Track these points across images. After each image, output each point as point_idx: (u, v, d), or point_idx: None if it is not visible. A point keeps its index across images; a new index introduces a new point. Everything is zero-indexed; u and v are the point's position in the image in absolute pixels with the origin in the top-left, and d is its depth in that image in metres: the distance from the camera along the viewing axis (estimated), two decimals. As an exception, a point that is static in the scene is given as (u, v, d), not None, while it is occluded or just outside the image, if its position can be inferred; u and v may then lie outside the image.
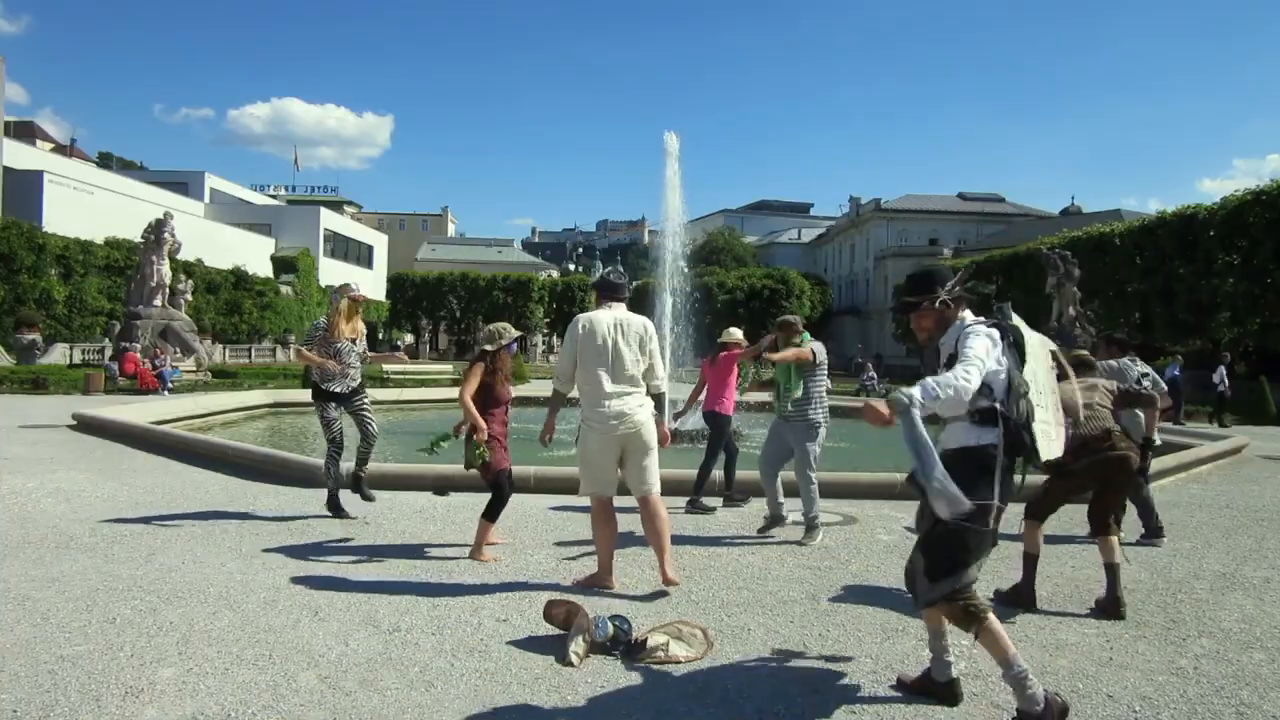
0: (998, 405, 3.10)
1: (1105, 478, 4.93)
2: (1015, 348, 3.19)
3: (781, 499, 6.38)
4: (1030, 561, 4.77)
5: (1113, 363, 6.77)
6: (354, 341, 6.58)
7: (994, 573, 5.11)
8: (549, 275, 76.22)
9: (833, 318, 68.05)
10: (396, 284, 64.47)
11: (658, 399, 4.95)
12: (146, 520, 6.36)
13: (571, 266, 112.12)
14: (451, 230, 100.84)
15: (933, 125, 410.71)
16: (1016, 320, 3.30)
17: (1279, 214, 23.99)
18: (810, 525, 6.11)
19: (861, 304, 68.38)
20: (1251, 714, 3.33)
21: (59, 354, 27.75)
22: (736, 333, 7.76)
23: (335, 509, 6.60)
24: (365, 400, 6.71)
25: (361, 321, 6.76)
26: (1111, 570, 4.63)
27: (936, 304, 3.26)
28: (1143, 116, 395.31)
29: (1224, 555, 6.03)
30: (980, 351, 3.05)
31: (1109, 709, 3.33)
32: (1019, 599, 4.70)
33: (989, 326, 3.19)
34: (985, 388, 3.08)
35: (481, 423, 5.38)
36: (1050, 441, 3.29)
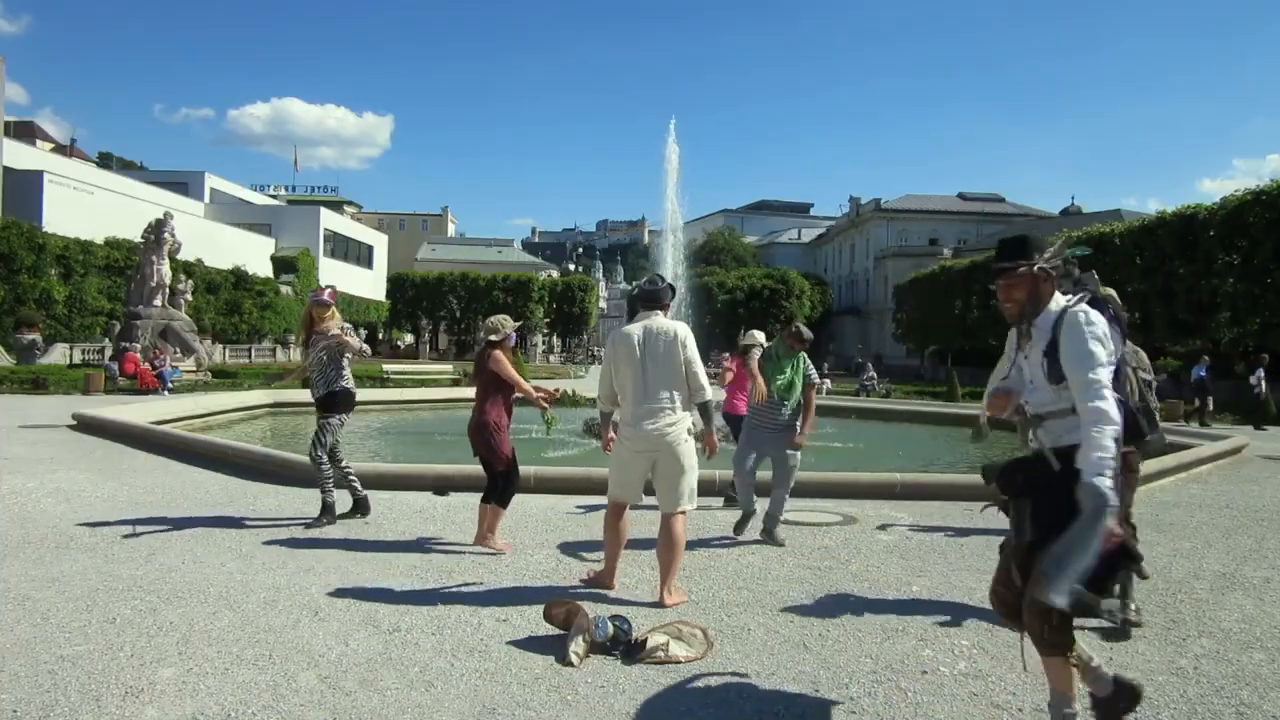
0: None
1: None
2: (1117, 321, 2.92)
3: (754, 497, 6.28)
4: None
5: None
6: (309, 343, 6.33)
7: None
8: (549, 275, 76.26)
9: (833, 318, 68.08)
10: (396, 284, 64.49)
11: (703, 409, 4.70)
12: (146, 520, 6.36)
13: (571, 266, 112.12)
14: (451, 230, 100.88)
15: (933, 125, 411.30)
16: (1105, 288, 2.98)
17: (1279, 214, 23.96)
18: (776, 526, 6.14)
19: (861, 304, 68.39)
20: (1251, 714, 3.32)
21: (59, 354, 27.76)
22: (758, 335, 7.75)
23: (361, 510, 6.54)
24: (331, 417, 6.30)
25: (332, 320, 6.34)
26: None
27: (1035, 269, 2.91)
28: (1143, 116, 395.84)
29: (1224, 555, 6.03)
30: (1103, 355, 2.73)
31: (1109, 709, 3.32)
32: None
33: (1088, 308, 2.85)
34: None
35: (534, 394, 5.86)
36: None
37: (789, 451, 6.22)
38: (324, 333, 6.30)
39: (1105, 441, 2.61)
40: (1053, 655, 2.84)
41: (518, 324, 6.04)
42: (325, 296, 6.46)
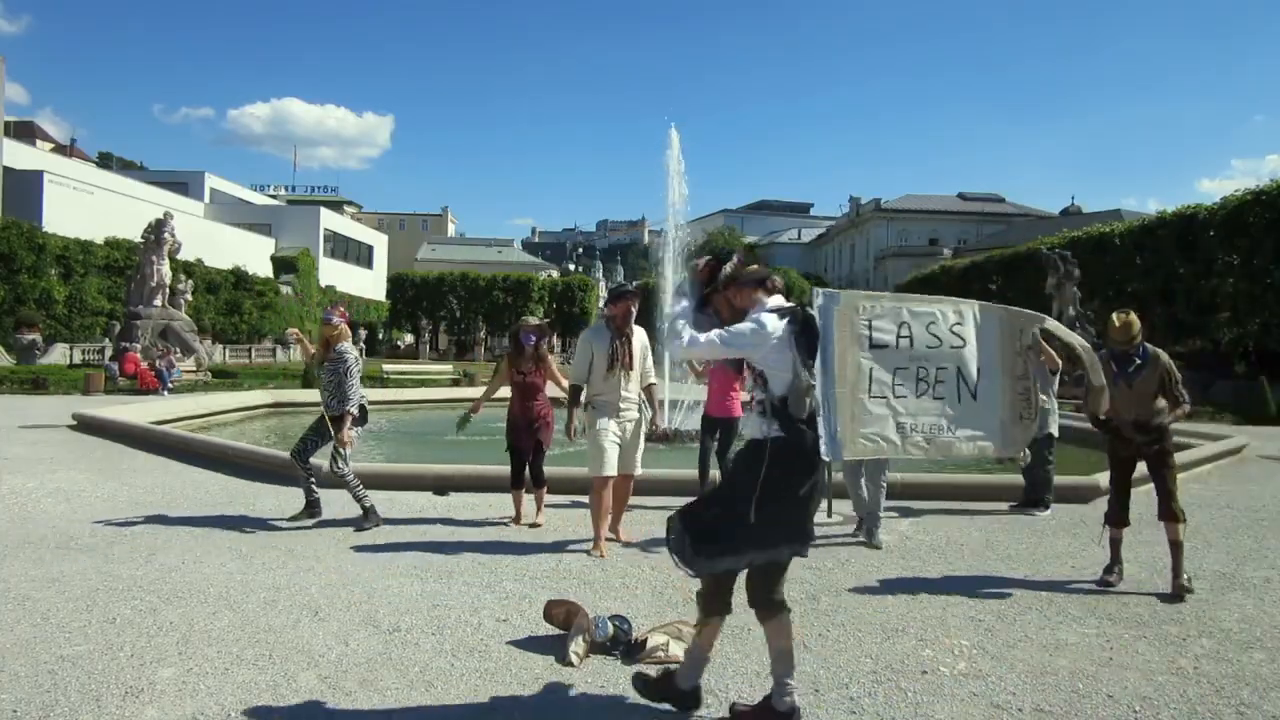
0: (774, 401, 3.03)
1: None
2: (804, 335, 3.08)
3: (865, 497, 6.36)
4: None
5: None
6: (324, 364, 6.33)
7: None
8: (549, 275, 76.21)
9: (833, 318, 67.94)
10: (396, 284, 64.44)
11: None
12: (146, 520, 6.36)
13: (571, 266, 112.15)
14: (451, 230, 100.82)
15: (933, 125, 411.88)
16: (815, 306, 3.21)
17: (1279, 214, 23.96)
18: (874, 525, 6.21)
19: (861, 304, 68.33)
20: (1251, 714, 3.33)
21: (59, 354, 27.73)
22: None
23: (310, 513, 6.51)
24: (340, 435, 6.27)
25: (339, 336, 6.32)
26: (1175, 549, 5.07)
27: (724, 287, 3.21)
28: (1143, 116, 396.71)
29: (1224, 555, 6.03)
30: (741, 330, 3.06)
31: (1109, 709, 3.33)
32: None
33: (776, 313, 3.10)
34: (760, 378, 3.07)
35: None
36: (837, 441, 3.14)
37: None
38: (330, 349, 6.27)
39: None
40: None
41: (537, 324, 6.63)
42: (333, 316, 6.42)
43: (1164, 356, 5.11)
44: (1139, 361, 5.05)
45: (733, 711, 3.18)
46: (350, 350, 6.35)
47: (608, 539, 5.74)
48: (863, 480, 6.34)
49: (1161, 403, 5.08)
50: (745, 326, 3.06)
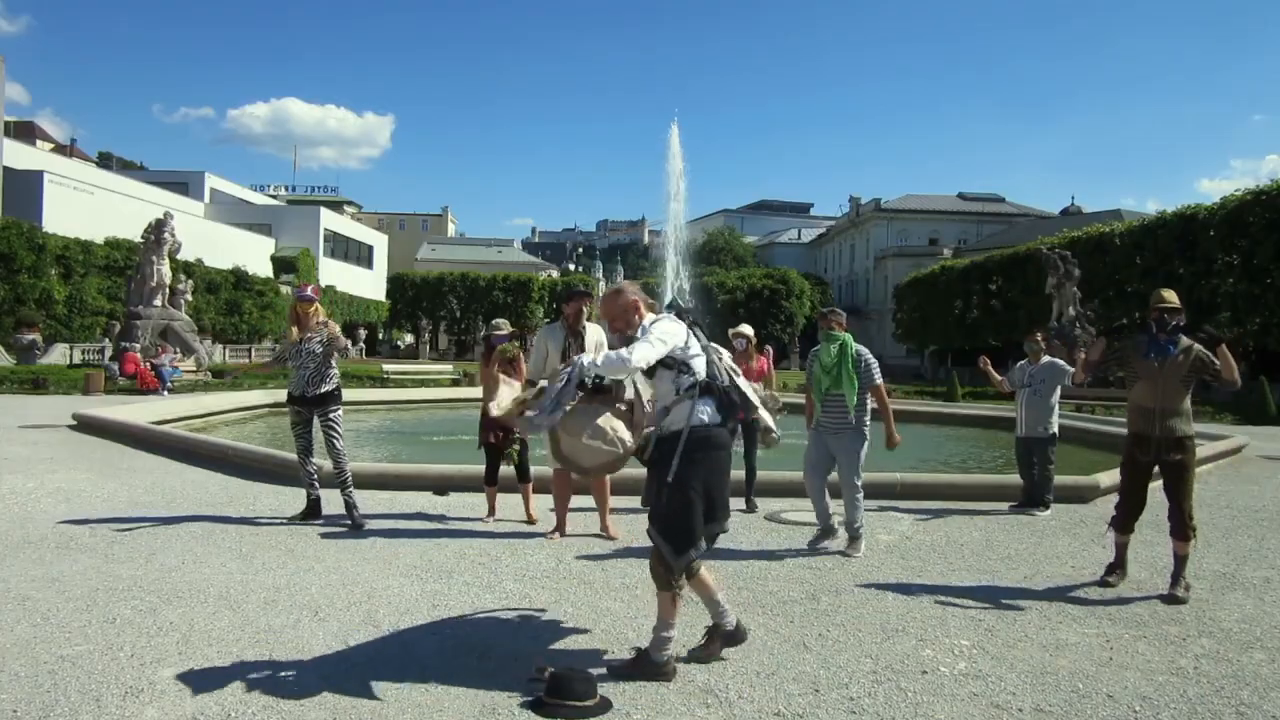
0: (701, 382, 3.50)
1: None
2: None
3: (831, 510, 6.03)
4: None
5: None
6: (303, 342, 6.30)
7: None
8: (549, 275, 76.25)
9: (833, 318, 68.02)
10: (396, 284, 64.46)
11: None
12: (146, 520, 6.36)
13: (571, 266, 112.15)
14: (451, 230, 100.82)
15: (933, 125, 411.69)
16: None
17: (1279, 214, 23.97)
18: (855, 535, 5.84)
19: (861, 304, 68.40)
20: (1251, 714, 3.33)
21: (59, 354, 27.75)
22: (747, 329, 7.57)
23: (311, 513, 6.52)
24: (334, 411, 6.45)
25: (319, 317, 6.40)
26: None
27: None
28: (1143, 116, 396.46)
29: (1224, 555, 6.03)
30: (665, 330, 3.45)
31: (1109, 709, 3.33)
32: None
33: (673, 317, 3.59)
34: (684, 367, 3.48)
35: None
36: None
37: (856, 450, 5.88)
38: (315, 329, 6.34)
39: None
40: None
41: (508, 331, 6.65)
42: (309, 292, 6.52)
43: (1198, 346, 4.91)
44: (1173, 342, 4.87)
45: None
46: (332, 325, 6.48)
47: (601, 535, 6.01)
48: (827, 490, 6.02)
49: (1188, 406, 4.91)
50: (663, 328, 3.45)
